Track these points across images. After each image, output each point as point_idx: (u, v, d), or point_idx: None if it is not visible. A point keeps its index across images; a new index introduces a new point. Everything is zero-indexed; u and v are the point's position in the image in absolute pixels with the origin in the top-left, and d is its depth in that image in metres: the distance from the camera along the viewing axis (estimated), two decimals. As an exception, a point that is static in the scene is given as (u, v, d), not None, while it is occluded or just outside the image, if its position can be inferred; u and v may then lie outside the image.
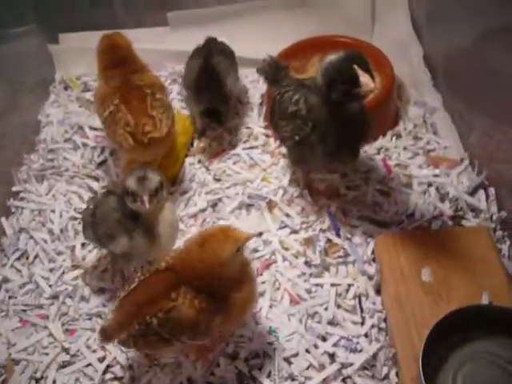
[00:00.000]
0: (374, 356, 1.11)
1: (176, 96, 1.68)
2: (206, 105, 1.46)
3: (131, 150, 1.31)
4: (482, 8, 1.34)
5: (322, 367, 1.10)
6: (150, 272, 1.03)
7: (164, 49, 1.73)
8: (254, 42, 1.66)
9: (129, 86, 1.32)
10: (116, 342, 1.03)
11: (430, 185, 1.39)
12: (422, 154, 1.46)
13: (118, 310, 1.02)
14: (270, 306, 1.20)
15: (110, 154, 1.53)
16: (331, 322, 1.16)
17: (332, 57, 1.11)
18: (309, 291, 1.22)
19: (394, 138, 1.51)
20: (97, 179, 1.49)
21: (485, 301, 1.14)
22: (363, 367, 1.10)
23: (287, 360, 1.12)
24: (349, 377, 1.09)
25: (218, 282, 0.98)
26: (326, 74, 1.11)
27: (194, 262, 0.97)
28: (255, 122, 1.58)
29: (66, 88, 1.76)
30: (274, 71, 1.37)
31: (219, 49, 1.55)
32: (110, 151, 1.54)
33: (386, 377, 1.09)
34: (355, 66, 1.06)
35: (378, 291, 1.21)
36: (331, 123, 1.16)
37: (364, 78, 1.06)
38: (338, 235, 1.30)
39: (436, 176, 1.41)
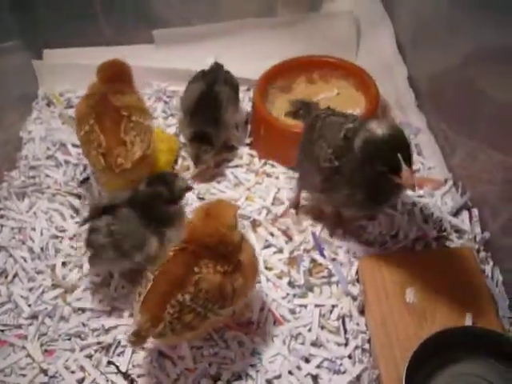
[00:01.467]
0: (358, 378, 1.10)
1: (161, 114, 1.68)
2: (197, 130, 1.44)
3: (104, 172, 1.30)
4: (466, 30, 1.35)
5: (306, 390, 1.09)
6: (162, 263, 1.06)
7: (149, 66, 1.72)
8: (240, 60, 1.66)
9: (105, 107, 1.31)
10: (152, 339, 1.03)
11: (414, 205, 1.39)
12: (407, 174, 1.47)
13: (145, 307, 1.02)
14: (257, 328, 1.18)
15: (93, 172, 1.52)
16: (315, 344, 1.15)
17: (378, 130, 1.05)
18: (292, 312, 1.20)
19: (378, 158, 1.51)
20: (79, 197, 1.47)
21: (468, 322, 1.13)
22: (347, 389, 1.09)
23: (270, 382, 1.10)
24: (333, 399, 1.08)
25: (228, 248, 1.04)
26: (367, 148, 1.06)
27: (204, 234, 1.04)
28: (240, 141, 1.58)
29: (48, 104, 1.74)
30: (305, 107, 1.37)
31: (225, 77, 1.53)
32: (93, 169, 1.52)
33: (370, 399, 1.08)
34: (399, 156, 1.01)
35: (361, 312, 1.20)
36: (360, 176, 1.12)
37: (406, 172, 1.01)
38: (323, 255, 1.29)
39: (420, 197, 1.41)
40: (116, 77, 1.37)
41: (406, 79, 1.64)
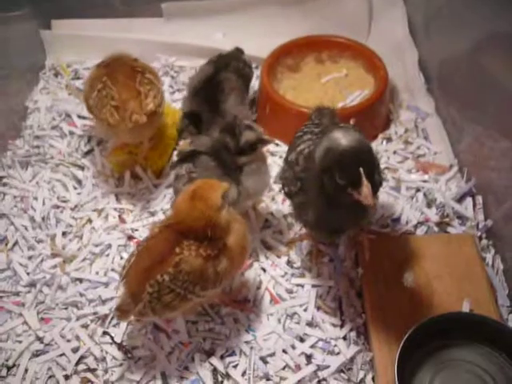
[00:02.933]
0: (352, 359, 1.10)
1: (167, 88, 1.66)
2: (193, 108, 1.43)
3: (118, 129, 1.28)
4: (478, 15, 1.33)
5: (298, 368, 1.09)
6: (146, 239, 1.06)
7: (157, 40, 1.71)
8: (248, 37, 1.65)
9: (119, 65, 1.32)
10: (133, 317, 1.05)
11: (418, 190, 1.38)
12: (412, 158, 1.45)
13: (127, 282, 1.03)
14: (252, 306, 1.18)
15: (97, 144, 1.52)
16: (310, 324, 1.15)
17: (341, 140, 0.93)
18: (289, 291, 1.20)
19: (384, 142, 1.50)
20: (82, 168, 1.47)
21: (466, 308, 1.13)
22: (339, 370, 1.09)
23: (263, 359, 1.10)
24: (324, 379, 1.08)
25: (215, 229, 1.02)
26: (327, 157, 0.94)
27: (190, 217, 1.01)
28: (245, 118, 1.55)
29: (56, 75, 1.74)
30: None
31: (236, 66, 1.49)
32: (97, 141, 1.52)
33: (362, 381, 1.08)
34: (361, 170, 0.90)
35: (359, 295, 1.19)
36: (319, 197, 1.01)
37: (367, 189, 0.90)
38: (323, 242, 1.28)
39: (424, 181, 1.40)
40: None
41: (416, 62, 1.62)
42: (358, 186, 0.91)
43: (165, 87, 1.66)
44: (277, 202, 1.36)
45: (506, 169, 1.27)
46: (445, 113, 1.55)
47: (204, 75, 1.45)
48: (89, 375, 1.10)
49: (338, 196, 0.96)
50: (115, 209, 1.37)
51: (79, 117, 1.58)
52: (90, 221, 1.35)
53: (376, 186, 1.05)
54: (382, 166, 1.42)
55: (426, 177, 1.41)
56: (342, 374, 1.09)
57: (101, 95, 1.28)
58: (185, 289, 1.00)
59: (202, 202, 1.01)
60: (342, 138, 0.93)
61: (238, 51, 1.54)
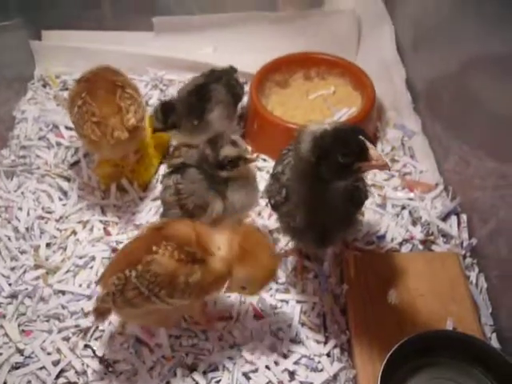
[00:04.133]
0: (335, 376, 1.09)
1: (156, 102, 1.66)
2: (171, 100, 1.42)
3: (100, 145, 1.27)
4: (466, 36, 1.35)
5: (282, 384, 1.08)
6: (129, 241, 1.07)
7: (147, 53, 1.72)
8: (239, 52, 1.66)
9: (99, 79, 1.31)
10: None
11: (403, 208, 1.39)
12: (398, 176, 1.46)
13: (103, 283, 1.03)
14: (234, 320, 1.18)
15: (84, 156, 1.51)
16: (294, 340, 1.14)
17: (326, 126, 0.93)
18: (274, 307, 1.20)
19: (371, 159, 1.50)
20: (68, 179, 1.46)
21: (449, 327, 1.13)
22: (323, 387, 1.09)
23: (246, 375, 1.09)
24: (308, 396, 1.07)
25: (203, 252, 0.99)
26: (321, 143, 0.92)
27: (188, 233, 1.00)
28: (233, 133, 1.56)
29: (44, 85, 1.73)
30: None
31: (228, 82, 1.49)
32: (84, 152, 1.51)
33: (346, 398, 1.08)
34: (362, 137, 0.89)
35: (343, 311, 1.19)
36: (306, 198, 1.00)
37: (374, 151, 0.88)
38: (308, 257, 1.27)
39: (410, 199, 1.40)
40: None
41: (403, 81, 1.64)
42: (365, 154, 0.88)
43: (153, 100, 1.67)
44: (263, 217, 1.36)
45: (490, 188, 1.28)
46: (431, 131, 1.56)
47: (193, 84, 1.46)
48: (69, 389, 1.09)
49: (341, 182, 0.94)
50: (100, 221, 1.36)
51: (66, 128, 1.57)
52: (74, 232, 1.34)
53: (363, 190, 1.06)
54: (368, 182, 1.42)
55: (411, 195, 1.41)
56: (326, 391, 1.08)
57: (81, 111, 1.28)
58: (149, 290, 0.98)
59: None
60: (322, 126, 0.92)
61: (232, 69, 1.55)
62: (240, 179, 1.19)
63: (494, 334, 1.17)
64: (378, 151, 0.89)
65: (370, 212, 1.35)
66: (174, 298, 1.00)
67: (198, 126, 1.43)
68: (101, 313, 1.04)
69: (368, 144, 0.88)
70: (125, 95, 1.30)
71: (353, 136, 0.90)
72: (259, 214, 1.37)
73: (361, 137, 0.89)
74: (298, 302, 1.20)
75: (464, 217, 1.35)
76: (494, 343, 1.15)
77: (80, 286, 1.24)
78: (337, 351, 1.13)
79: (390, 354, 1.01)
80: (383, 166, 0.89)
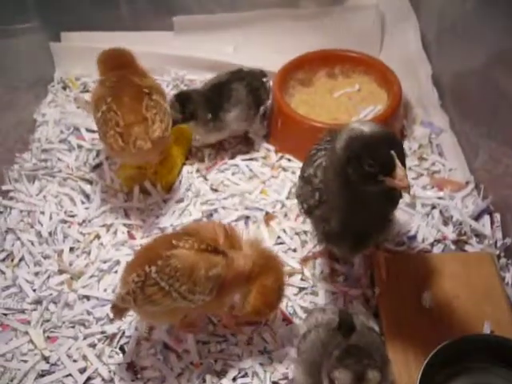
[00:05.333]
0: (368, 382, 1.06)
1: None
2: (188, 91, 1.41)
3: (122, 153, 1.25)
4: (492, 30, 1.31)
5: (314, 392, 1.05)
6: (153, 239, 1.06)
7: (167, 53, 1.69)
8: (260, 51, 1.63)
9: (125, 85, 1.28)
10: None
11: (433, 207, 1.35)
12: (427, 175, 1.43)
13: (123, 274, 1.02)
14: (263, 324, 1.15)
15: (106, 158, 1.49)
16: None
17: (364, 126, 0.89)
18: (303, 310, 1.16)
19: (398, 158, 1.46)
20: (90, 182, 1.44)
21: (486, 330, 1.09)
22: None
23: (277, 383, 1.06)
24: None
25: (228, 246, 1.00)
26: (352, 145, 0.89)
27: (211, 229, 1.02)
28: (257, 133, 1.54)
29: (64, 88, 1.72)
30: None
31: (251, 84, 1.46)
32: (106, 155, 1.49)
33: (380, 404, 1.04)
34: (393, 152, 0.86)
35: (375, 315, 1.15)
36: (342, 200, 0.96)
37: (401, 170, 0.85)
38: (337, 260, 1.24)
39: (440, 198, 1.36)
40: (119, 65, 1.33)
41: (429, 77, 1.60)
42: (390, 170, 0.85)
43: (174, 101, 1.64)
44: (290, 219, 1.33)
45: (523, 186, 1.24)
46: (459, 128, 1.52)
47: (217, 80, 1.44)
48: (96, 397, 1.07)
49: (365, 188, 0.91)
50: (124, 224, 1.34)
51: (88, 130, 1.56)
52: (98, 236, 1.32)
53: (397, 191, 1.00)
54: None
55: (441, 193, 1.37)
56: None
57: (105, 118, 1.25)
58: (170, 285, 0.96)
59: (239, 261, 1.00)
60: (363, 126, 0.89)
61: (261, 73, 1.52)
62: None
63: (532, 337, 1.13)
64: (405, 172, 0.86)
65: (399, 212, 1.31)
66: (195, 293, 0.98)
67: (213, 124, 1.41)
68: (119, 310, 1.03)
69: (397, 161, 0.85)
70: (151, 104, 1.26)
71: (384, 148, 0.86)
72: (285, 215, 1.34)
73: (392, 152, 0.85)
74: (327, 305, 1.17)
75: (497, 216, 1.31)
76: (533, 346, 1.11)
77: (105, 290, 1.21)
78: (369, 356, 1.10)
79: (426, 360, 0.97)
80: (404, 188, 0.87)
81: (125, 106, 1.25)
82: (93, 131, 1.53)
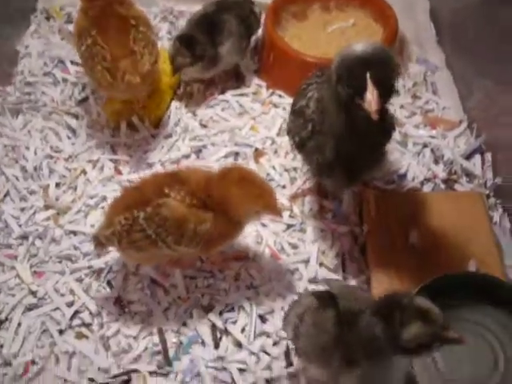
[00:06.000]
0: (354, 317, 1.07)
1: (166, 35, 1.59)
2: (187, 32, 1.35)
3: (110, 89, 1.21)
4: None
5: (299, 326, 1.06)
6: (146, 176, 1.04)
7: (155, -17, 1.63)
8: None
9: (110, 16, 1.22)
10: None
11: (425, 146, 1.33)
12: (420, 113, 1.40)
13: (108, 211, 1.01)
14: (251, 261, 1.15)
15: (92, 92, 1.44)
16: (311, 280, 1.12)
17: (355, 48, 0.86)
18: (291, 247, 1.16)
19: (391, 95, 1.43)
20: (76, 117, 1.40)
21: (472, 268, 1.10)
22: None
23: (263, 317, 1.07)
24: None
25: (219, 205, 0.96)
26: (339, 64, 0.88)
27: (212, 179, 0.97)
28: (248, 68, 1.50)
29: (48, 18, 1.64)
30: None
31: (241, 13, 1.41)
32: (92, 89, 1.45)
33: (365, 339, 1.06)
34: (368, 75, 0.83)
35: (362, 251, 1.16)
36: (336, 126, 0.95)
37: (371, 94, 0.82)
38: (326, 197, 1.23)
39: (432, 137, 1.35)
40: None
41: (427, 12, 1.56)
42: (361, 92, 0.83)
43: (163, 33, 1.59)
44: (279, 156, 1.31)
45: (516, 126, 1.22)
46: (455, 66, 1.49)
47: (204, 11, 1.39)
48: (84, 330, 1.07)
49: (353, 112, 0.88)
50: (111, 160, 1.31)
51: (73, 63, 1.50)
52: (84, 172, 1.30)
53: (389, 122, 1.00)
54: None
55: (433, 132, 1.35)
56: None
57: (91, 52, 1.20)
58: (157, 234, 0.95)
59: (228, 191, 0.95)
60: (358, 46, 0.86)
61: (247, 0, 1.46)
62: None
63: (518, 275, 1.14)
64: (375, 96, 0.82)
65: (390, 150, 1.29)
66: (180, 245, 0.97)
67: (209, 60, 1.37)
68: (101, 244, 1.01)
69: (368, 83, 0.82)
70: (138, 36, 1.22)
71: (359, 69, 0.83)
72: (275, 152, 1.32)
73: (368, 73, 0.82)
74: (315, 241, 1.17)
75: (488, 155, 1.30)
76: (518, 284, 1.12)
77: (92, 226, 1.20)
78: (356, 292, 1.11)
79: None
80: (371, 113, 0.83)
81: (111, 38, 1.20)
82: (78, 64, 1.48)
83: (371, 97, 0.82)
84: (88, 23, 1.23)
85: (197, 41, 1.33)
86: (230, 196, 0.95)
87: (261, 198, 0.95)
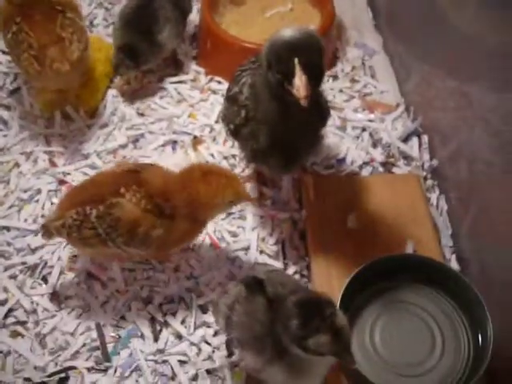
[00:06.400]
0: (294, 303, 1.07)
1: (101, 22, 1.54)
2: (127, 40, 1.33)
3: (39, 77, 1.18)
4: None
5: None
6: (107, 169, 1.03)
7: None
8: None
9: (35, 2, 1.18)
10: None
11: (363, 129, 1.34)
12: (358, 97, 1.41)
13: (61, 201, 1.00)
14: (191, 251, 1.13)
15: (25, 82, 1.39)
16: (252, 268, 1.11)
17: (283, 33, 0.86)
18: (230, 235, 1.16)
19: (330, 80, 1.44)
20: (8, 108, 1.35)
21: (409, 250, 1.12)
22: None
23: (203, 307, 1.06)
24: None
25: (177, 208, 0.94)
26: (268, 50, 0.87)
27: (173, 183, 0.94)
28: (186, 55, 1.47)
29: (-25, 5, 1.58)
30: None
31: None
32: (25, 79, 1.40)
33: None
34: (296, 61, 0.82)
35: (302, 237, 1.16)
36: (269, 113, 0.94)
37: (300, 80, 0.82)
38: (265, 183, 1.23)
39: (370, 121, 1.36)
40: None
41: (364, -3, 1.55)
42: (290, 78, 0.82)
43: (98, 20, 1.54)
44: (218, 143, 1.30)
45: (452, 108, 1.23)
46: (393, 50, 1.49)
47: (135, 3, 1.35)
48: (19, 328, 1.04)
49: (283, 98, 0.87)
50: (45, 151, 1.27)
51: (4, 52, 1.44)
52: (17, 165, 1.25)
53: (324, 106, 1.00)
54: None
55: (372, 116, 1.36)
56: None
57: (17, 39, 1.16)
58: (107, 233, 0.93)
59: (199, 191, 0.93)
60: (287, 31, 0.85)
61: None
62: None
63: (454, 256, 1.16)
64: (303, 81, 0.82)
65: (329, 135, 1.30)
66: (130, 246, 0.95)
67: (148, 50, 1.34)
68: (49, 233, 0.99)
69: (297, 69, 0.82)
70: (66, 22, 1.18)
71: (287, 55, 0.83)
72: (214, 139, 1.30)
73: (296, 59, 0.82)
74: (255, 229, 1.16)
75: (425, 138, 1.32)
76: (454, 264, 1.14)
77: (25, 221, 1.17)
78: (296, 277, 1.11)
79: (349, 279, 0.99)
80: (299, 99, 0.83)
81: (37, 26, 1.16)
82: (7, 53, 1.43)
83: (300, 83, 0.82)
84: (13, 10, 1.18)
85: (139, 51, 1.32)
86: (199, 195, 0.93)
87: (230, 186, 0.94)
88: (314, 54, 0.85)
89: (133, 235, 0.93)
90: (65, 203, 0.98)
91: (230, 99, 1.04)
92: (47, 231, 0.99)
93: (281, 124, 0.94)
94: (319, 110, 0.99)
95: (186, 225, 0.96)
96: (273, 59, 0.85)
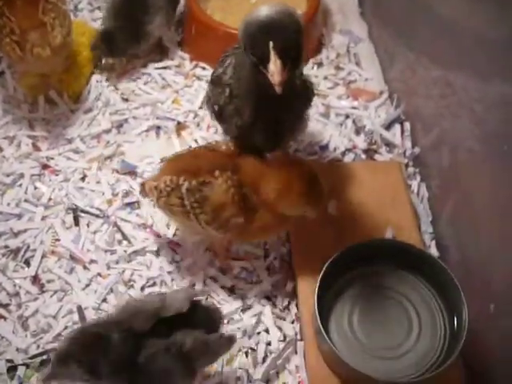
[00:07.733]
0: (275, 288, 1.09)
1: (86, 6, 1.53)
2: (108, 26, 1.33)
3: (21, 62, 1.18)
4: None
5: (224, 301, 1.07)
6: (207, 145, 1.05)
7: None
8: None
9: None
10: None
11: (347, 117, 1.35)
12: (343, 84, 1.41)
13: (166, 164, 1.04)
14: (174, 234, 1.15)
15: (8, 66, 1.39)
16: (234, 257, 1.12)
17: (259, 12, 0.82)
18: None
19: (315, 67, 1.44)
20: (-8, 93, 1.35)
21: (389, 235, 1.13)
22: (264, 297, 1.08)
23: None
24: (249, 307, 1.07)
25: (262, 201, 0.96)
26: (243, 31, 0.84)
27: (261, 176, 0.96)
28: (171, 40, 1.47)
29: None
30: None
31: None
32: (8, 63, 1.39)
33: (286, 308, 1.08)
34: (271, 45, 0.79)
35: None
36: (252, 92, 0.92)
37: (274, 65, 0.79)
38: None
39: (354, 108, 1.36)
40: None
41: (350, -17, 1.55)
42: (265, 63, 0.80)
43: (83, 5, 1.53)
44: (202, 129, 1.30)
45: (435, 96, 1.24)
46: (378, 38, 1.50)
47: None
48: (1, 311, 1.04)
49: (262, 79, 0.85)
50: (28, 136, 1.27)
51: (-14, 37, 1.44)
52: (0, 149, 1.25)
53: (308, 86, 1.00)
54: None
55: (355, 103, 1.37)
56: (267, 301, 1.08)
57: None
58: (192, 207, 0.96)
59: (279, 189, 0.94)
60: (265, 9, 0.81)
61: None
62: None
63: (434, 242, 1.18)
64: (278, 67, 0.80)
65: (312, 122, 1.31)
66: (210, 225, 0.97)
67: (136, 37, 1.35)
68: (144, 190, 1.03)
69: (271, 54, 0.79)
70: (48, 6, 1.17)
71: (262, 38, 0.79)
72: (198, 125, 1.31)
73: (271, 43, 0.79)
74: (237, 215, 1.17)
75: (407, 125, 1.33)
76: (433, 251, 1.16)
77: (8, 205, 1.17)
78: (277, 263, 1.12)
79: (328, 263, 1.00)
80: (275, 84, 0.81)
81: (19, 10, 1.16)
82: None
83: (274, 68, 0.80)
84: None
85: (118, 40, 1.33)
86: (286, 200, 0.95)
87: (308, 204, 0.97)
88: (291, 35, 0.81)
89: (215, 217, 0.96)
90: (166, 167, 1.02)
91: (214, 80, 1.03)
92: (143, 190, 1.04)
93: (264, 101, 0.93)
94: (303, 91, 0.99)
95: (268, 218, 0.97)
96: (247, 42, 0.82)
